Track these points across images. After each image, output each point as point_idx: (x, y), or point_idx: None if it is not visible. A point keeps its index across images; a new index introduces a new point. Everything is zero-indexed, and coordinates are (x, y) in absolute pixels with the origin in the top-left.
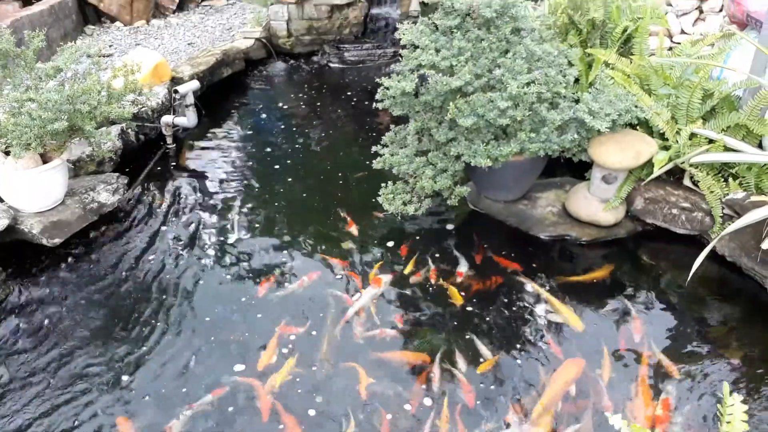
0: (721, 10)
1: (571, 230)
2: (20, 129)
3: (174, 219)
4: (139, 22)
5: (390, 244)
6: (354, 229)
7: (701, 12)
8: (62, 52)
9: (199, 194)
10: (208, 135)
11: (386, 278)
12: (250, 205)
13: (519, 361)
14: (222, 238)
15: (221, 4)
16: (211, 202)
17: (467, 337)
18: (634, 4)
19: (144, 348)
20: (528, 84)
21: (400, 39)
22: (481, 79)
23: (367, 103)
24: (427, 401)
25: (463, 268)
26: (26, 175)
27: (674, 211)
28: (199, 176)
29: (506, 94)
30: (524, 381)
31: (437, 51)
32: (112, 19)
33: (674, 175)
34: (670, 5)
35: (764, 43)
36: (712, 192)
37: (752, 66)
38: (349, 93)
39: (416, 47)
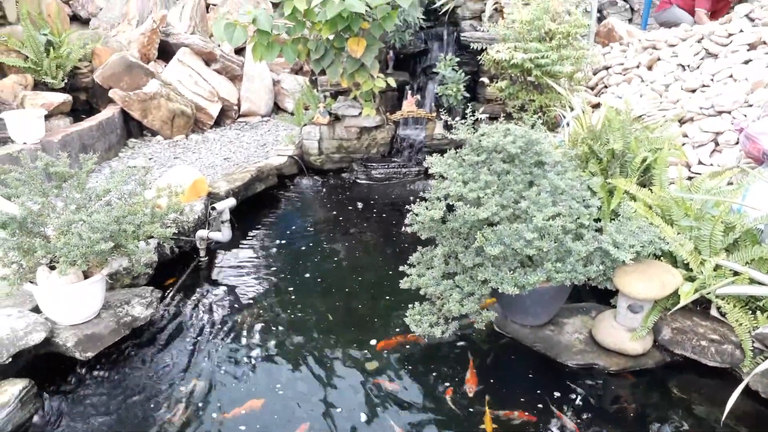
0: (736, 143)
1: (599, 359)
2: (69, 247)
3: (201, 334)
4: (178, 136)
5: (419, 368)
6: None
7: (717, 144)
8: (112, 175)
9: (227, 308)
10: (240, 248)
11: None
12: (277, 322)
13: None
14: (248, 357)
15: (256, 120)
16: (239, 316)
17: None
18: (652, 136)
19: None
20: (553, 217)
21: (424, 159)
22: (507, 210)
23: (385, 215)
24: None
25: None
26: (68, 290)
27: (703, 342)
28: (229, 290)
29: (532, 225)
30: None
31: (465, 183)
32: (154, 133)
33: (701, 305)
34: (686, 136)
35: None
36: (740, 325)
37: None
38: (375, 208)
39: (443, 177)
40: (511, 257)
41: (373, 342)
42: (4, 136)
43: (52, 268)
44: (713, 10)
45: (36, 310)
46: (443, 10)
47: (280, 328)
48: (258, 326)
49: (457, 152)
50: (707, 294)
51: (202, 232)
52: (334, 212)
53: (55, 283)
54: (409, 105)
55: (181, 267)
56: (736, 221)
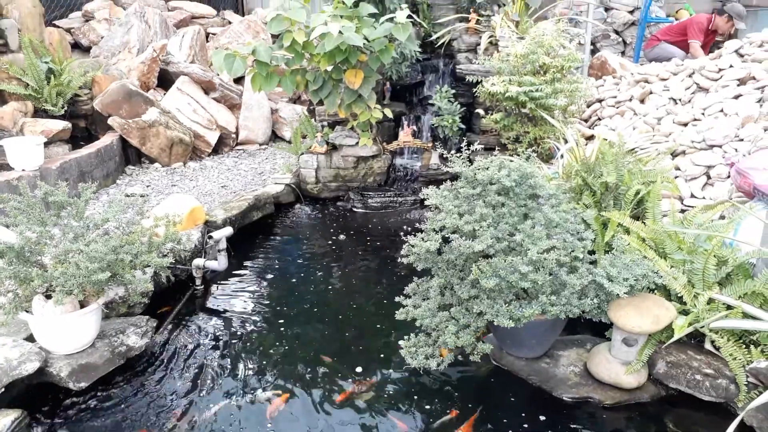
0: (728, 177)
1: (594, 393)
2: (66, 277)
3: (196, 364)
4: (176, 164)
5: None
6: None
7: (709, 177)
8: (111, 205)
9: (222, 338)
10: (235, 276)
11: None
12: (271, 352)
13: None
14: (241, 389)
15: (254, 148)
16: (234, 346)
17: None
18: (645, 168)
19: None
20: (548, 250)
21: (420, 188)
22: (502, 242)
23: (380, 244)
24: None
25: None
26: (64, 319)
27: (698, 376)
28: (225, 319)
29: (527, 258)
30: None
31: (460, 215)
32: (152, 161)
33: (695, 338)
34: (679, 169)
35: None
36: (734, 359)
37: (762, 237)
38: (371, 237)
39: (439, 209)
40: (506, 290)
41: (359, 369)
42: (3, 162)
43: (48, 297)
44: (704, 42)
45: (30, 339)
46: (439, 43)
47: (275, 358)
48: (253, 356)
49: (452, 184)
50: (701, 328)
51: (198, 261)
52: (330, 241)
53: (51, 313)
54: (405, 135)
55: (176, 295)
56: (729, 255)
